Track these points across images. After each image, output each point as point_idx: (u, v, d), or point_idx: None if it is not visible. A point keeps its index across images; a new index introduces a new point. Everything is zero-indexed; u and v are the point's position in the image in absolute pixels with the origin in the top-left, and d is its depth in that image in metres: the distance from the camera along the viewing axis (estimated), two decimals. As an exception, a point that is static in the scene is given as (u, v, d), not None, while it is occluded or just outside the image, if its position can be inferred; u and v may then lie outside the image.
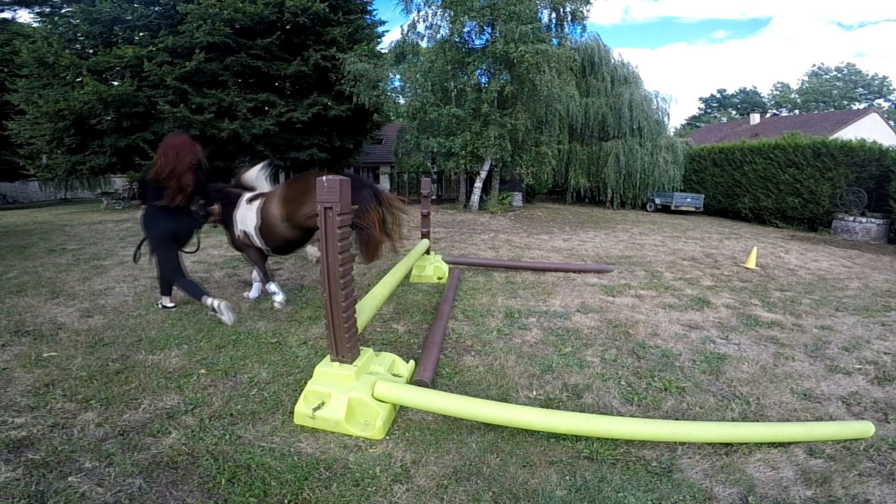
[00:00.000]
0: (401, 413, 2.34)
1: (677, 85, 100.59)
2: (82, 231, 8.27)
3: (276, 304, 3.88)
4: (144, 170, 3.47)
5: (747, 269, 6.46)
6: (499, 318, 3.83)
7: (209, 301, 3.34)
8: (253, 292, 4.15)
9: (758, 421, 2.40)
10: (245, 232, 3.80)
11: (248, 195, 3.95)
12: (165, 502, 1.69)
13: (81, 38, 14.84)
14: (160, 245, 3.50)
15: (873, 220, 12.07)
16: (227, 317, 3.36)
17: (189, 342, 3.09)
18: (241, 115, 13.93)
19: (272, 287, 3.89)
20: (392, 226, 3.55)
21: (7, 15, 18.16)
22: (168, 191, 3.34)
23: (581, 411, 2.40)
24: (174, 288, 3.74)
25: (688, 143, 18.22)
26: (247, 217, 3.77)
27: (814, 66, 54.98)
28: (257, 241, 3.76)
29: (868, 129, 20.74)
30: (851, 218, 12.43)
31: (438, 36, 13.61)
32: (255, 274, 4.15)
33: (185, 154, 3.36)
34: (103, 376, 2.56)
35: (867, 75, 44.30)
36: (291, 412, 2.24)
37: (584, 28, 14.97)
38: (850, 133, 18.77)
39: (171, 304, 3.81)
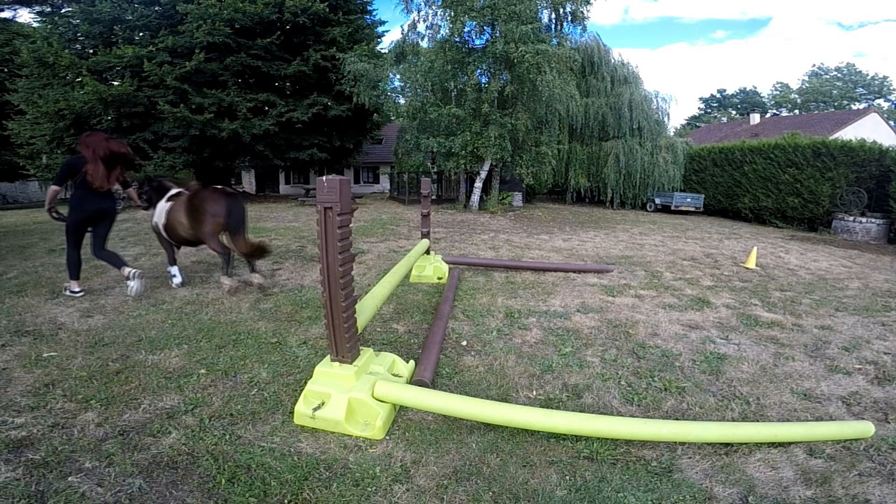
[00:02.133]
0: (401, 413, 2.34)
1: (677, 85, 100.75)
2: (82, 231, 8.24)
3: (172, 284, 4.45)
4: (72, 157, 4.05)
5: (747, 269, 6.46)
6: (499, 318, 3.83)
7: (73, 283, 4.02)
8: (177, 279, 4.51)
9: (758, 421, 2.40)
10: (157, 224, 4.46)
11: (172, 192, 4.57)
12: (165, 502, 1.69)
13: (81, 38, 14.83)
14: (78, 223, 4.02)
15: (873, 220, 12.06)
16: (68, 292, 4.00)
17: (189, 342, 3.09)
18: (241, 115, 13.92)
19: (173, 270, 4.52)
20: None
21: (7, 14, 18.18)
22: (97, 176, 3.85)
23: (581, 411, 2.40)
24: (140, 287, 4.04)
25: (688, 143, 18.22)
26: (160, 214, 4.43)
27: (814, 66, 55.11)
28: (164, 235, 4.45)
29: (868, 129, 20.74)
30: (851, 218, 12.43)
31: (439, 36, 13.61)
32: (170, 268, 4.58)
33: (109, 146, 3.88)
34: (103, 376, 2.56)
35: (867, 75, 44.28)
36: (291, 412, 2.24)
37: (584, 28, 15.01)
38: (850, 133, 18.78)
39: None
